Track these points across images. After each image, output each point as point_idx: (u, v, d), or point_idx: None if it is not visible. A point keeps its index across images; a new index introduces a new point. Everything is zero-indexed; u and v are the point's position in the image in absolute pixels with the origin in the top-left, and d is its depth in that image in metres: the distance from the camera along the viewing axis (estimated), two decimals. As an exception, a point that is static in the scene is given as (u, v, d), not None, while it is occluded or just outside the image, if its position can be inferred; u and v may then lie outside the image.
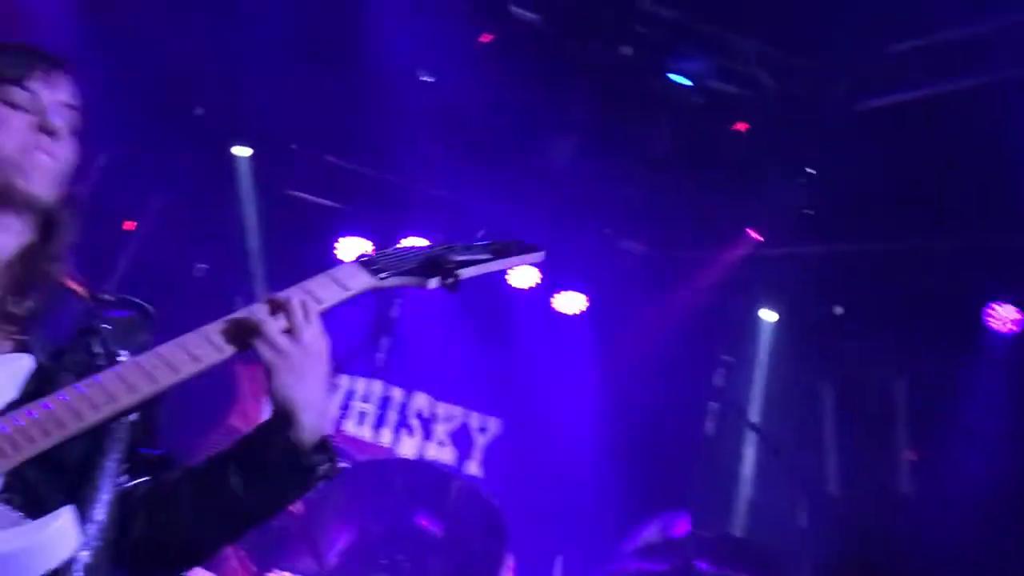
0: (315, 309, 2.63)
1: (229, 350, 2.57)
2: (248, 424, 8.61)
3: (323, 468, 2.62)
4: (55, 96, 2.74)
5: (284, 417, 2.57)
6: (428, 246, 2.87)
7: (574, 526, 8.64)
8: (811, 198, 8.14)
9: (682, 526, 7.04)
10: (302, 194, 8.95)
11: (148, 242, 8.09)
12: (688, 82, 7.37)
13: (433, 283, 2.79)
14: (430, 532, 6.94)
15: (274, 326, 2.57)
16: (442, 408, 9.59)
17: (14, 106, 2.69)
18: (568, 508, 8.80)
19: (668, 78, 7.35)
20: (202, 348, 2.55)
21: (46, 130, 2.69)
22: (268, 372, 2.56)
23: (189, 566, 2.73)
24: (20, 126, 2.68)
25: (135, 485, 2.69)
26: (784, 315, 9.20)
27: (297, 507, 6.86)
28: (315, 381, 2.58)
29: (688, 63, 7.32)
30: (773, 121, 7.77)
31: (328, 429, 2.66)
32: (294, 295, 2.63)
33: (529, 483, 9.03)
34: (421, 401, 9.51)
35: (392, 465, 7.87)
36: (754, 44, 7.42)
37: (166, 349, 2.54)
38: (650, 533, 7.16)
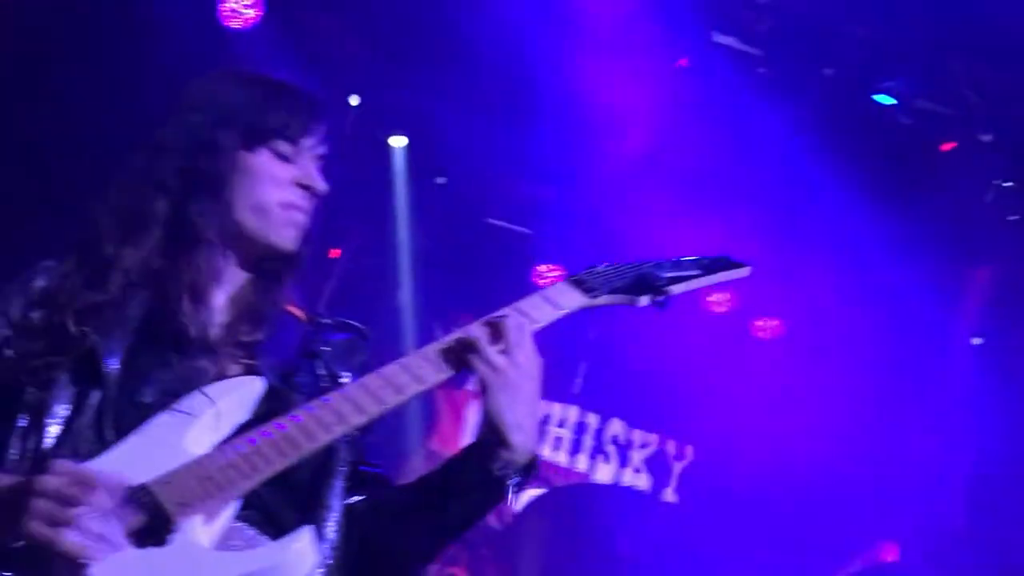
0: (529, 329, 2.64)
1: (448, 371, 2.62)
2: (447, 448, 8.74)
3: (515, 481, 2.62)
4: (315, 149, 2.83)
5: (494, 435, 2.59)
6: (636, 263, 2.83)
7: (772, 557, 8.49)
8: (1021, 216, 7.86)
9: (889, 556, 6.86)
10: (499, 222, 9.03)
11: (350, 270, 8.28)
12: (893, 102, 7.21)
13: (644, 301, 2.77)
14: (630, 559, 6.91)
15: (490, 345, 2.60)
16: (638, 434, 9.55)
17: (282, 158, 2.79)
18: (766, 538, 8.66)
19: (872, 99, 7.19)
20: (424, 369, 2.59)
21: (307, 188, 2.79)
22: (482, 390, 2.59)
23: None
24: (284, 180, 2.77)
25: (355, 502, 2.75)
26: (989, 338, 8.87)
27: (496, 529, 6.94)
28: (527, 402, 2.59)
29: (893, 83, 7.15)
30: (981, 140, 7.53)
31: (536, 450, 2.66)
32: (509, 315, 2.65)
33: (726, 511, 8.91)
34: (617, 427, 9.50)
35: (591, 491, 7.87)
36: (961, 61, 7.21)
37: (389, 370, 2.59)
38: (856, 565, 6.99)
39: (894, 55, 7.15)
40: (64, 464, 2.31)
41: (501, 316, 2.64)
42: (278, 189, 2.76)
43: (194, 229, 2.74)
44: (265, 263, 2.85)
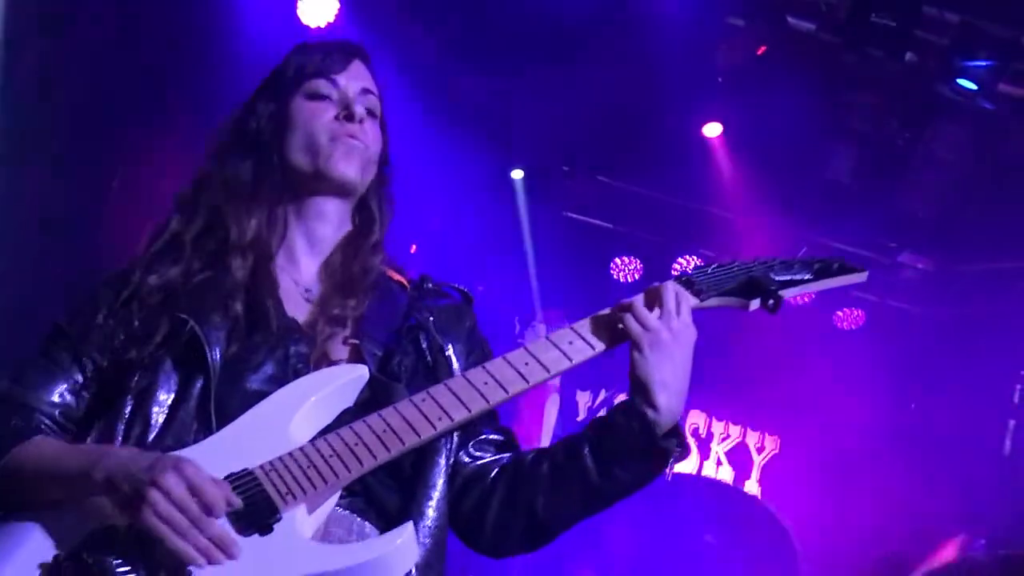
0: (686, 302, 2.63)
1: (600, 346, 2.62)
2: (528, 441, 8.76)
3: (675, 452, 2.60)
4: (355, 83, 2.88)
5: (640, 396, 2.57)
6: (745, 264, 2.79)
7: (856, 548, 8.40)
8: None
9: (977, 549, 6.75)
10: (577, 215, 9.02)
11: (429, 264, 8.30)
12: (974, 87, 7.06)
13: (754, 305, 2.70)
14: (718, 550, 6.88)
15: (645, 307, 2.61)
16: (719, 426, 9.49)
17: (320, 97, 2.85)
18: (851, 529, 8.57)
19: (956, 84, 7.05)
20: (574, 345, 2.60)
21: (349, 116, 2.82)
22: (633, 348, 2.58)
23: (540, 544, 2.75)
24: (327, 116, 2.82)
25: (484, 463, 2.76)
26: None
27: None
28: (677, 365, 2.57)
29: (977, 68, 7.01)
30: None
31: (679, 416, 2.62)
32: (667, 284, 2.66)
33: (809, 503, 8.84)
34: (697, 419, 9.45)
35: (672, 482, 7.84)
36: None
37: (518, 355, 2.59)
38: (945, 555, 6.89)
39: (979, 39, 7.00)
40: (189, 467, 2.31)
41: (659, 285, 2.65)
42: (322, 125, 2.81)
43: (252, 186, 2.81)
44: (349, 215, 2.88)
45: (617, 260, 8.83)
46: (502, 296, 8.70)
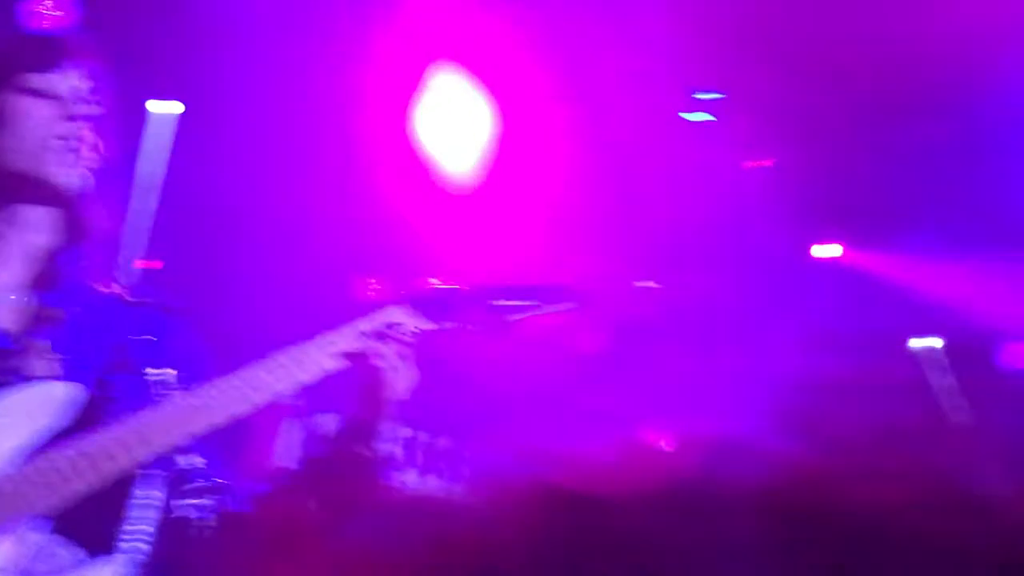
0: (414, 325, 2.74)
1: (330, 364, 2.67)
2: (259, 468, 8.53)
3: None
4: (75, 81, 2.69)
5: (367, 414, 2.68)
6: (474, 288, 2.89)
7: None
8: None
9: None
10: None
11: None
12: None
13: (478, 327, 2.84)
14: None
15: (375, 330, 2.71)
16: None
17: (36, 94, 2.64)
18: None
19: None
20: (303, 364, 2.64)
21: (68, 117, 2.63)
22: (363, 371, 2.67)
23: None
24: (43, 115, 2.63)
25: (188, 508, 2.67)
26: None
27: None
28: (402, 388, 2.70)
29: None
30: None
31: (398, 438, 2.71)
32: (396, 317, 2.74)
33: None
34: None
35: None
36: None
37: (244, 375, 2.56)
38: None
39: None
40: None
41: (389, 307, 2.73)
42: (39, 124, 2.62)
43: None
44: (60, 221, 2.69)
45: (357, 279, 8.70)
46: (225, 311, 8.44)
